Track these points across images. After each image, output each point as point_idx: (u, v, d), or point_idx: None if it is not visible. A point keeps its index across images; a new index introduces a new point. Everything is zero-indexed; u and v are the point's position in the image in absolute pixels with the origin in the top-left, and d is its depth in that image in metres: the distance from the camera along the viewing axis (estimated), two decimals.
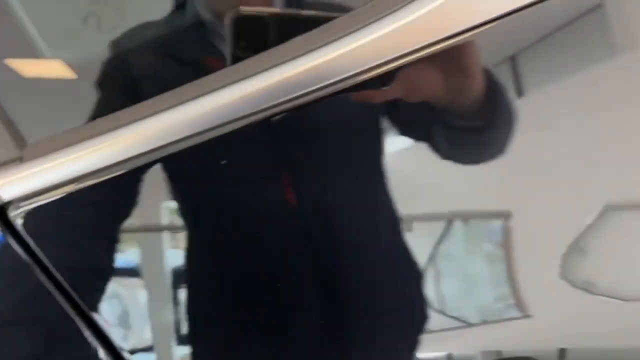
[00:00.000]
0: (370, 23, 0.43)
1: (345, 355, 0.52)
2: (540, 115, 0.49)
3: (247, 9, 0.47)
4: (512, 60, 0.48)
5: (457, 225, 0.51)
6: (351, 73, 0.43)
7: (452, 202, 0.51)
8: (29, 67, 0.53)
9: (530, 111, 0.48)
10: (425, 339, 0.51)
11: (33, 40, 0.52)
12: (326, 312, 0.50)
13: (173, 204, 0.52)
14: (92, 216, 0.51)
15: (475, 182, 0.50)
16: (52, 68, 0.53)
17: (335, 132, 0.49)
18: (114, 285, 0.52)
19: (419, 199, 0.51)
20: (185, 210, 0.52)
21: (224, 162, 0.48)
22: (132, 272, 0.53)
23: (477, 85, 0.45)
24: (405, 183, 0.51)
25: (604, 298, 0.48)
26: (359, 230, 0.51)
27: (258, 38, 0.46)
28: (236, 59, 0.46)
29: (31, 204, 0.48)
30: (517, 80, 0.48)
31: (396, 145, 0.51)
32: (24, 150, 0.48)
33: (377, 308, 0.52)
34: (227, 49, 0.46)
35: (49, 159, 0.47)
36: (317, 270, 0.51)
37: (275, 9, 0.50)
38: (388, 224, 0.50)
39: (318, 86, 0.43)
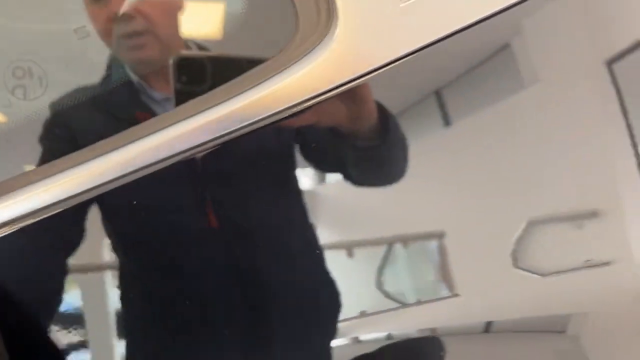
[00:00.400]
0: (276, 74, 0.50)
1: None
2: (465, 141, 0.56)
3: (187, 53, 0.56)
4: (437, 94, 0.55)
5: (398, 247, 0.56)
6: (264, 115, 0.50)
7: (390, 227, 0.56)
8: None
9: (457, 139, 0.55)
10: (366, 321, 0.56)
11: None
12: (250, 324, 0.55)
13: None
14: (39, 247, 0.52)
15: (410, 206, 0.55)
16: None
17: (252, 160, 0.54)
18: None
19: (358, 226, 0.56)
20: (116, 244, 0.54)
21: (134, 202, 0.52)
22: (73, 315, 0.53)
23: (372, 111, 0.53)
24: (344, 211, 0.55)
25: (524, 273, 0.56)
26: (276, 249, 0.56)
27: (197, 74, 0.53)
28: (179, 92, 0.53)
29: None
30: (443, 112, 0.55)
31: (335, 176, 0.56)
32: None
33: (297, 316, 0.56)
34: (170, 84, 0.53)
35: None
36: (240, 287, 0.55)
37: (210, 52, 0.57)
38: (304, 243, 0.55)
39: (236, 127, 0.49)
